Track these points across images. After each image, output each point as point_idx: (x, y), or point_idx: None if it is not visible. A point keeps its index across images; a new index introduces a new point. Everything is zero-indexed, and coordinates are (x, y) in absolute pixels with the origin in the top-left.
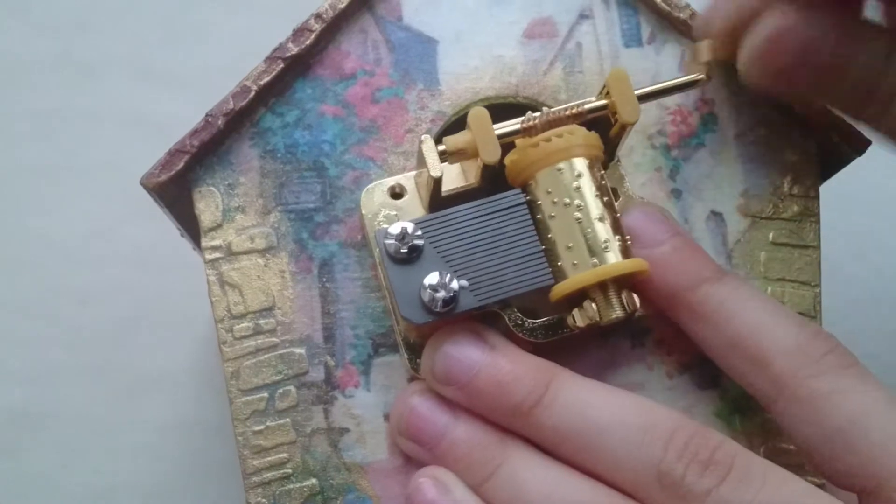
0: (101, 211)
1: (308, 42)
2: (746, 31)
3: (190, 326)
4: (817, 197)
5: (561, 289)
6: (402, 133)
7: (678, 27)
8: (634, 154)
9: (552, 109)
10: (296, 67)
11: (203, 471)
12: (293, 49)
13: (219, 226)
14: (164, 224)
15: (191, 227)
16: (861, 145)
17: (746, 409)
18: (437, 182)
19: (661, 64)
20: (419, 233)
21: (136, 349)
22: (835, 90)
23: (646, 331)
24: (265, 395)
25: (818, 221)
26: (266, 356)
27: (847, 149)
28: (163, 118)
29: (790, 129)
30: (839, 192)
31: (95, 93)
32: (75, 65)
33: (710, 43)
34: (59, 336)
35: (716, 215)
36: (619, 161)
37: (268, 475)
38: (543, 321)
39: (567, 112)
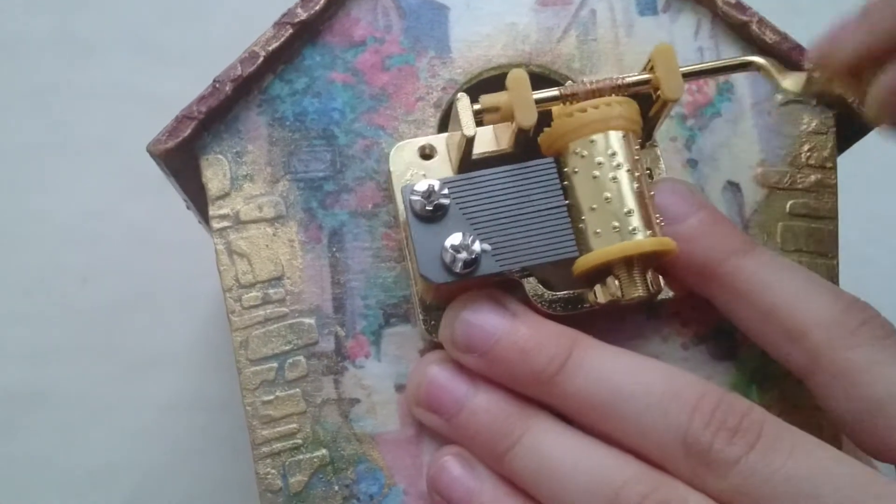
0: (102, 189)
1: (317, 7)
2: (881, 67)
3: (191, 305)
4: (835, 168)
5: (585, 262)
6: (413, 101)
7: None
8: (660, 126)
9: (595, 80)
10: (304, 34)
11: (204, 450)
12: (302, 14)
13: (227, 194)
14: (165, 202)
15: (197, 199)
16: None
17: (763, 380)
18: (470, 142)
19: (676, 33)
20: (446, 191)
21: (136, 328)
22: None
23: (661, 302)
24: (274, 365)
25: (836, 192)
26: (275, 326)
27: (865, 119)
28: (163, 94)
29: (808, 98)
30: (856, 172)
31: (95, 69)
32: (74, 41)
33: (816, 76)
34: (59, 315)
35: (732, 185)
36: (656, 142)
37: (277, 445)
38: (564, 294)
39: (608, 83)
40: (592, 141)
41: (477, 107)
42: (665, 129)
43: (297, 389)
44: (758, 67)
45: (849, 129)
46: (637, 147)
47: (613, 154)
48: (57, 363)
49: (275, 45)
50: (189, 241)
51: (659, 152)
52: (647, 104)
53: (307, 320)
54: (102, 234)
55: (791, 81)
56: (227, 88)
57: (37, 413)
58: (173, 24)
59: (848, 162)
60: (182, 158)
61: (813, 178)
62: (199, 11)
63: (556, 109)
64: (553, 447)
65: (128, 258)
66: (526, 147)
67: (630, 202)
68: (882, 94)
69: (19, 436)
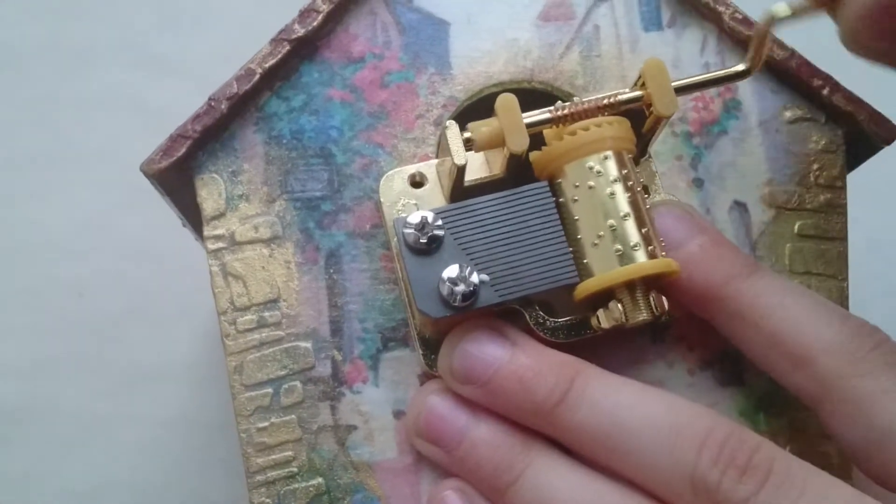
0: (98, 200)
1: (315, 24)
2: None
3: (190, 319)
4: (844, 187)
5: (586, 287)
6: (413, 119)
7: (700, 10)
8: (654, 142)
9: (584, 99)
10: (302, 50)
11: (203, 469)
12: (299, 31)
13: (222, 214)
14: (162, 214)
15: (192, 217)
16: (890, 133)
17: (772, 407)
18: (461, 170)
19: (682, 49)
20: (440, 223)
21: (134, 343)
22: None
23: (665, 326)
24: (269, 390)
25: (845, 213)
26: (271, 350)
27: (875, 137)
28: (160, 105)
29: (817, 115)
30: (859, 185)
31: (91, 79)
32: (70, 50)
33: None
34: (54, 329)
35: (739, 206)
36: (650, 157)
37: (272, 474)
38: (566, 321)
39: (599, 102)
40: (586, 163)
41: (467, 135)
42: (670, 148)
43: (293, 416)
44: (747, 71)
45: (859, 148)
46: (632, 169)
47: (609, 175)
48: (51, 378)
49: (271, 61)
50: (187, 254)
51: (654, 167)
52: (640, 120)
53: (303, 344)
54: (98, 246)
55: (777, 8)
56: (223, 106)
57: (30, 428)
58: (171, 33)
59: (855, 176)
60: (177, 178)
61: (822, 197)
62: (198, 21)
63: (548, 132)
64: (556, 482)
65: (124, 271)
66: (520, 171)
67: (629, 224)
68: (854, 9)
69: (11, 451)
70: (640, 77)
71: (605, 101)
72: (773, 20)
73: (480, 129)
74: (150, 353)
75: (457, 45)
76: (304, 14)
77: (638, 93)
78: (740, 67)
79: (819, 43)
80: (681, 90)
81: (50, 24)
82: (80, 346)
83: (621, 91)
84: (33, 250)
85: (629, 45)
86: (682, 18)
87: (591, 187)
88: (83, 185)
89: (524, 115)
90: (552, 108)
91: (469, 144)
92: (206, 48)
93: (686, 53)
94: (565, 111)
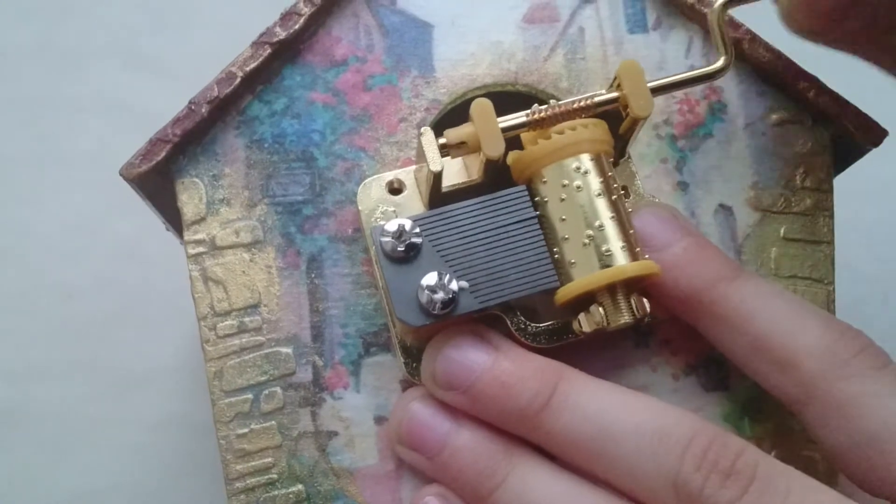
0: (86, 203)
1: (297, 26)
2: None
3: (178, 322)
4: (831, 190)
5: (567, 291)
6: (396, 122)
7: (685, 12)
8: (639, 144)
9: (560, 102)
10: (284, 53)
11: (193, 471)
12: (281, 34)
13: (202, 219)
14: (150, 216)
15: (175, 220)
16: (877, 136)
17: (757, 412)
18: (438, 177)
19: (667, 51)
20: (417, 230)
21: (122, 345)
22: (889, 38)
23: (650, 330)
24: (249, 396)
25: (832, 216)
26: (251, 356)
27: (862, 139)
28: (149, 107)
29: (803, 118)
30: (850, 186)
31: (80, 81)
32: (59, 52)
33: None
34: (42, 332)
35: (724, 209)
36: (629, 158)
37: (251, 481)
38: (547, 325)
39: (575, 105)
40: (564, 166)
41: (442, 141)
42: (655, 151)
43: (273, 422)
44: (723, 68)
45: (845, 150)
46: (611, 173)
47: (587, 178)
48: (40, 381)
49: (252, 65)
50: (175, 256)
51: (634, 168)
52: (617, 122)
53: (284, 349)
54: (86, 248)
55: None
56: (203, 110)
57: (19, 432)
58: (161, 35)
59: (844, 175)
60: (157, 182)
61: (808, 200)
62: (188, 22)
63: (525, 135)
64: (538, 488)
65: (113, 273)
66: (498, 175)
67: (608, 227)
68: None
69: (0, 456)
70: (615, 78)
71: (581, 104)
72: (724, 5)
73: (455, 135)
74: (139, 356)
75: (440, 48)
76: (286, 17)
77: (614, 94)
78: (716, 65)
79: (805, 45)
80: (657, 90)
81: (39, 27)
82: (68, 349)
83: (597, 93)
84: (20, 253)
85: (614, 48)
86: (667, 20)
87: (569, 190)
88: (72, 188)
89: (500, 119)
90: (528, 111)
91: (445, 150)
92: (196, 51)
93: (671, 56)
94: (541, 115)
